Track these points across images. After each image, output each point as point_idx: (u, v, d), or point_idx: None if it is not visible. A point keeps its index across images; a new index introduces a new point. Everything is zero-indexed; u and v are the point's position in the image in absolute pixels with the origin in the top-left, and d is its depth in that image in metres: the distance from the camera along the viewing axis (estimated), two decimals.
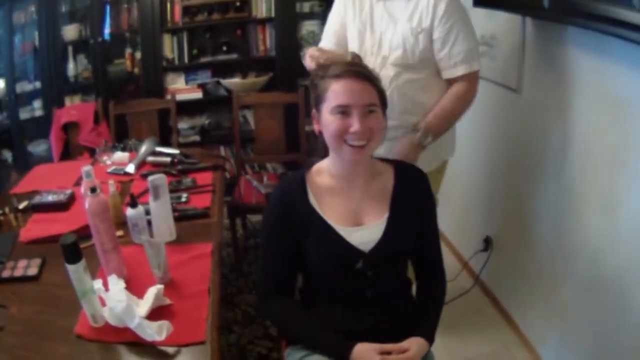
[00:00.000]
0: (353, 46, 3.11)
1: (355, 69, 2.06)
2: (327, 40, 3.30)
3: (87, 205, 2.19)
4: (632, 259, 2.59)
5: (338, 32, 3.24)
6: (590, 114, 2.85)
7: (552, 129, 3.22)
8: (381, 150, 2.41)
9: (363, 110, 1.99)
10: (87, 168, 2.42)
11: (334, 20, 3.27)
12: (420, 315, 2.25)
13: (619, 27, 2.13)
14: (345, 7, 3.17)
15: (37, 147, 5.82)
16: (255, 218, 4.99)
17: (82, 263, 1.91)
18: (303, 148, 4.85)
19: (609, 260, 2.76)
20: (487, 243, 4.12)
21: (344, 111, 1.99)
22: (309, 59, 2.58)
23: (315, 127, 2.18)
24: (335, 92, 2.01)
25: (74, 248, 1.88)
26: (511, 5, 3.16)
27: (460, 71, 2.91)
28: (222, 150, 5.97)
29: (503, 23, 3.59)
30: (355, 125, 1.96)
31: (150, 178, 2.47)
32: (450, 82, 2.99)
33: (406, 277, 2.37)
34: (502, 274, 4.00)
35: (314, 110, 2.17)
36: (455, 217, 4.62)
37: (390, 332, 2.16)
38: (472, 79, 2.96)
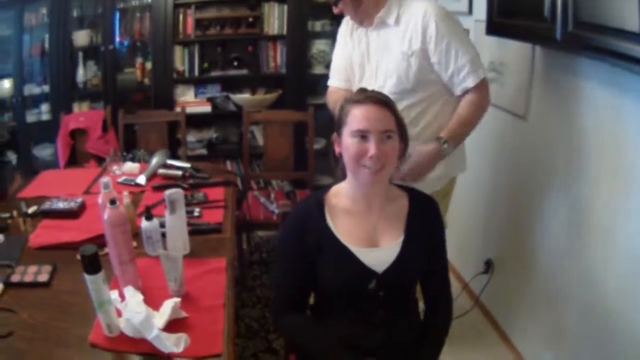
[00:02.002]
0: (354, 78, 3.24)
1: (376, 96, 2.15)
2: (337, 78, 3.38)
3: (106, 217, 2.22)
4: (630, 284, 2.63)
5: (347, 69, 3.32)
6: (595, 145, 2.89)
7: (556, 157, 3.26)
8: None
9: (380, 136, 2.06)
10: (105, 179, 2.46)
11: (341, 56, 3.35)
12: (424, 345, 2.31)
13: (629, 62, 2.16)
14: (345, 41, 3.29)
15: (42, 151, 5.86)
16: (261, 233, 5.01)
17: (102, 274, 1.94)
18: (310, 166, 4.87)
19: (608, 285, 2.80)
20: (488, 265, 4.15)
21: (362, 135, 2.06)
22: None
23: (336, 150, 2.24)
24: (355, 117, 2.09)
25: (94, 259, 1.91)
26: (523, 35, 3.19)
27: (470, 83, 2.92)
28: (229, 165, 5.99)
29: (513, 50, 3.62)
30: (372, 149, 2.03)
31: (167, 192, 2.50)
32: (462, 96, 3.01)
33: (415, 297, 2.42)
34: (502, 296, 4.03)
35: (335, 134, 2.24)
36: (458, 238, 4.61)
37: (398, 350, 2.24)
38: (482, 87, 2.98)
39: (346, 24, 3.31)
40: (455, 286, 4.48)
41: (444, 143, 2.86)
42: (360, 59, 3.16)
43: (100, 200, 2.51)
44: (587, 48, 2.47)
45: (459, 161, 3.32)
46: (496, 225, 4.13)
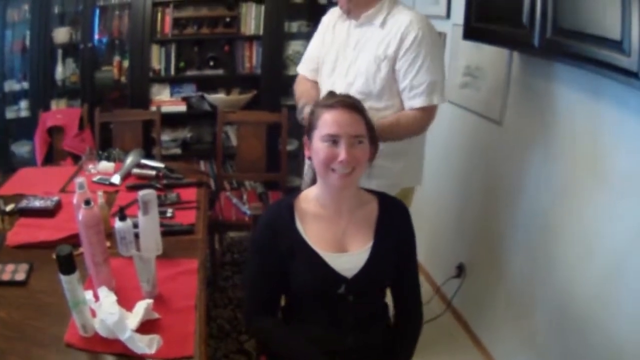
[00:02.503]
0: (326, 71, 3.21)
1: (346, 100, 2.16)
2: (307, 67, 3.44)
3: (80, 217, 2.21)
4: (603, 287, 2.67)
5: (314, 59, 3.37)
6: (570, 150, 2.92)
7: (531, 162, 3.29)
8: None
9: (351, 141, 2.07)
10: (80, 180, 2.46)
11: (317, 46, 3.37)
12: (395, 350, 2.33)
13: (607, 69, 2.19)
14: (325, 32, 3.30)
15: (20, 148, 5.84)
16: (234, 234, 5.01)
17: (76, 275, 1.93)
18: (283, 168, 4.87)
19: (580, 288, 2.84)
20: (460, 270, 4.17)
21: (332, 140, 2.08)
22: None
23: (306, 153, 2.25)
24: (326, 121, 2.10)
25: (70, 260, 1.90)
26: (501, 41, 3.20)
27: (418, 103, 2.92)
28: (202, 165, 5.99)
29: (490, 55, 3.64)
30: (342, 154, 2.05)
31: (140, 193, 2.49)
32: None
33: (385, 301, 2.43)
34: (474, 300, 4.05)
35: (305, 137, 2.25)
36: (429, 242, 4.65)
37: (369, 354, 2.26)
38: (430, 112, 2.99)
39: (331, 14, 3.31)
40: (427, 290, 4.54)
41: None
42: (336, 53, 3.15)
43: (75, 200, 2.51)
44: (566, 55, 2.49)
45: (412, 173, 3.31)
46: (468, 229, 4.15)
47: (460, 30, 3.54)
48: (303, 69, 3.47)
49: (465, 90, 3.99)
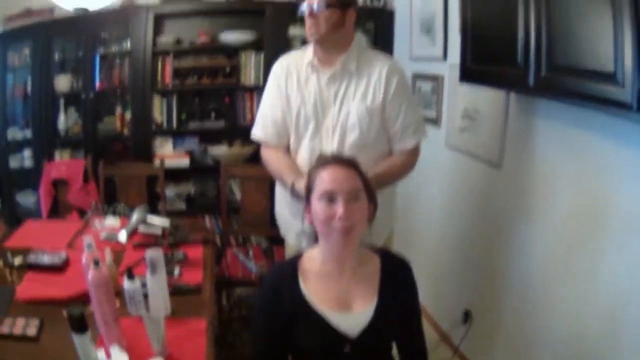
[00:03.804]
0: (307, 132, 3.08)
1: (341, 158, 2.23)
2: (268, 130, 3.22)
3: (89, 277, 2.23)
4: (609, 325, 2.65)
5: (279, 122, 3.16)
6: (569, 188, 2.94)
7: (532, 203, 3.30)
8: None
9: (348, 196, 2.10)
10: (88, 240, 2.49)
11: (272, 107, 3.19)
12: None
13: (602, 103, 2.21)
14: (286, 92, 3.13)
15: (25, 198, 5.92)
16: (240, 290, 5.01)
17: (89, 334, 1.98)
18: None
19: (587, 328, 2.82)
20: (467, 316, 4.15)
21: (330, 197, 2.11)
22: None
23: (307, 217, 2.28)
24: (323, 179, 2.14)
25: (82, 320, 1.95)
26: (496, 82, 3.23)
27: (410, 144, 3.04)
28: (207, 220, 5.99)
29: (487, 97, 3.66)
30: (340, 210, 2.07)
31: (148, 254, 2.51)
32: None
33: (391, 356, 2.43)
34: (481, 345, 4.00)
35: (305, 205, 2.29)
36: (435, 288, 4.64)
37: None
38: (417, 151, 3.12)
39: (284, 70, 3.16)
40: (433, 336, 4.55)
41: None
42: (314, 113, 3.05)
43: (84, 259, 2.54)
44: (561, 92, 2.52)
45: (385, 219, 3.20)
46: (473, 274, 4.13)
47: (457, 71, 3.57)
48: (264, 135, 3.25)
49: (464, 134, 4.01)
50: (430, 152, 3.78)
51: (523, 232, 3.39)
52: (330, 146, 2.97)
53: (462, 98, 4.09)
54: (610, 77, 2.11)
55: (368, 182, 2.24)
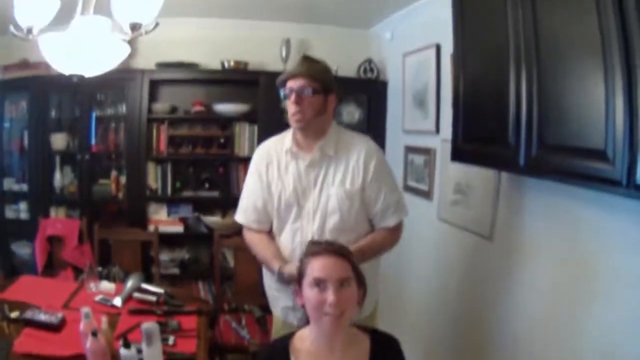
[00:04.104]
0: (288, 216, 3.10)
1: (331, 247, 2.28)
2: (249, 216, 3.26)
3: (87, 345, 2.29)
4: None
5: (260, 209, 3.20)
6: (559, 258, 2.99)
7: (520, 275, 3.34)
8: None
9: (338, 284, 2.16)
10: (86, 310, 2.56)
11: (253, 194, 3.22)
12: None
13: (593, 181, 2.23)
14: (267, 179, 3.16)
15: (20, 249, 5.91)
16: (232, 357, 5.00)
17: None
18: None
19: None
20: None
21: (320, 285, 2.16)
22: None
23: (299, 301, 2.33)
24: (313, 267, 2.21)
25: None
26: (487, 161, 3.24)
27: (392, 222, 3.07)
28: (201, 286, 5.98)
29: (479, 172, 3.71)
30: (330, 297, 2.13)
31: (144, 326, 2.56)
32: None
33: None
34: None
35: (296, 286, 2.33)
36: (425, 357, 4.62)
37: None
38: (399, 228, 3.15)
39: (264, 159, 3.20)
40: None
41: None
42: (295, 198, 3.06)
43: (81, 327, 2.59)
44: (551, 171, 2.54)
45: (373, 296, 3.18)
46: (463, 343, 4.13)
47: (449, 146, 3.56)
48: (246, 220, 3.30)
49: (456, 208, 4.07)
50: (422, 224, 3.83)
51: (513, 302, 3.42)
52: (311, 229, 3.00)
53: (453, 172, 4.15)
54: (601, 155, 2.14)
55: (358, 269, 2.29)
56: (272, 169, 3.14)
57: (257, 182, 3.19)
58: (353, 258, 2.30)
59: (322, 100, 2.99)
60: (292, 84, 2.96)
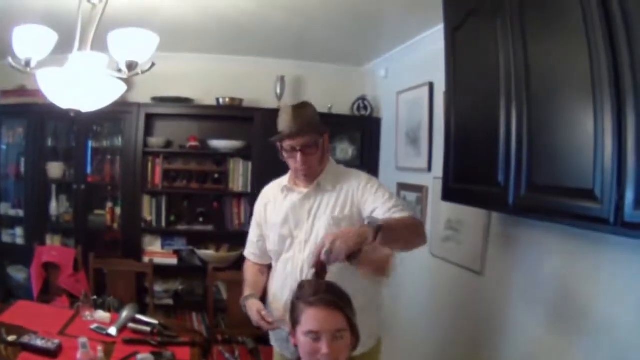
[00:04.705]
0: (283, 248, 3.12)
1: (327, 298, 2.26)
2: (250, 250, 3.42)
3: None
4: None
5: (255, 243, 3.36)
6: (550, 295, 3.03)
7: (513, 308, 3.37)
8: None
9: (332, 336, 2.18)
10: (83, 340, 2.63)
11: (253, 230, 3.40)
12: None
13: (582, 220, 2.24)
14: (265, 217, 3.25)
15: (17, 273, 5.95)
16: None
17: None
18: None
19: None
20: None
21: (315, 336, 2.18)
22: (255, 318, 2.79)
23: (292, 341, 2.34)
24: (308, 318, 2.22)
25: None
26: (477, 201, 3.27)
27: (407, 214, 2.86)
28: (195, 317, 6.01)
29: (470, 209, 3.71)
30: (324, 349, 2.14)
31: (139, 357, 2.66)
32: None
33: None
34: None
35: (290, 328, 2.35)
36: None
37: None
38: (416, 221, 2.92)
39: (264, 200, 3.32)
40: None
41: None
42: (287, 229, 3.09)
43: (78, 356, 2.65)
44: (539, 211, 2.57)
45: (375, 330, 3.16)
46: None
47: (441, 183, 3.59)
48: (248, 254, 3.46)
49: (448, 243, 4.12)
50: (415, 260, 3.88)
51: (505, 334, 3.45)
52: (301, 258, 3.00)
53: (445, 209, 4.21)
54: (589, 194, 2.16)
55: (352, 318, 2.29)
56: (270, 207, 3.23)
57: (257, 223, 3.33)
58: (348, 310, 2.29)
59: (321, 146, 3.04)
60: (293, 142, 2.97)
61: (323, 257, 2.30)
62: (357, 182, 3.02)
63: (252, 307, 2.97)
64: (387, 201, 2.89)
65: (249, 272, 3.37)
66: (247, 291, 3.12)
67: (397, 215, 2.81)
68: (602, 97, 2.06)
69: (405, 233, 2.79)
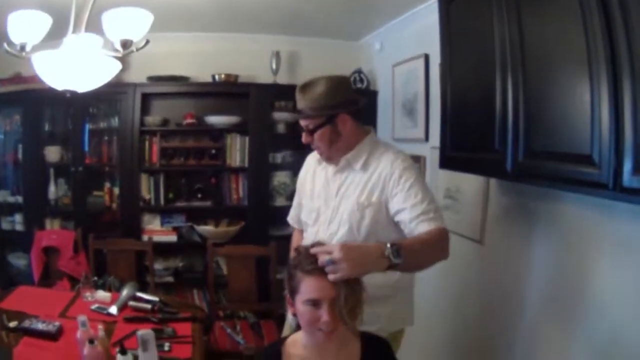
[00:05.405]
0: (310, 220, 3.10)
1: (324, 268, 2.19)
2: (292, 213, 3.41)
3: (85, 352, 2.33)
4: None
5: (298, 210, 3.34)
6: (548, 258, 3.03)
7: (513, 276, 3.37)
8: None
9: (332, 302, 2.13)
10: (82, 318, 2.61)
11: (297, 192, 3.34)
12: None
13: (580, 185, 2.22)
14: (305, 177, 3.23)
15: (17, 260, 5.98)
16: None
17: None
18: (274, 298, 4.96)
19: None
20: None
21: (314, 304, 2.15)
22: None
23: (291, 310, 2.31)
24: (307, 286, 2.17)
25: None
26: (475, 168, 3.27)
27: (434, 226, 2.59)
28: (195, 294, 6.04)
29: (468, 177, 3.75)
30: (324, 316, 2.12)
31: (139, 333, 2.61)
32: None
33: None
34: None
35: (288, 296, 2.31)
36: (422, 358, 4.65)
37: None
38: (442, 234, 2.62)
39: (312, 157, 3.23)
40: None
41: (391, 246, 2.28)
42: (318, 202, 3.04)
43: (78, 335, 2.64)
44: (538, 177, 2.55)
45: (401, 316, 3.07)
46: (461, 342, 4.18)
47: (438, 153, 3.56)
48: (290, 219, 3.44)
49: (446, 213, 4.08)
50: None
51: (505, 304, 3.46)
52: (323, 236, 2.89)
53: (443, 178, 4.21)
54: (587, 159, 2.14)
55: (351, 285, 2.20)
56: (309, 177, 3.18)
57: (299, 188, 3.32)
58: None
59: (330, 129, 2.86)
60: (302, 123, 2.92)
61: (323, 262, 2.16)
62: (392, 168, 2.78)
63: None
64: (417, 205, 2.66)
65: (294, 241, 3.40)
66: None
67: (424, 226, 2.61)
68: (598, 66, 2.04)
69: (426, 258, 2.59)
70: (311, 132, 2.87)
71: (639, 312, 2.42)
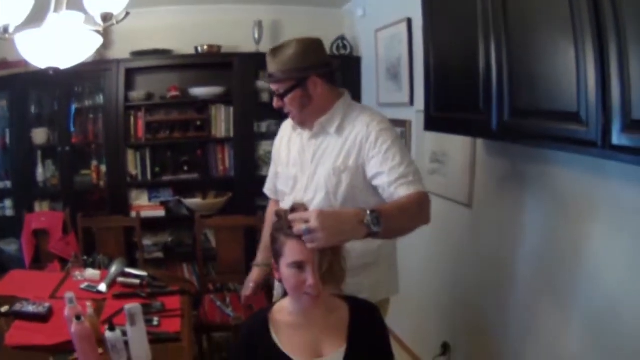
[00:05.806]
0: (287, 188, 3.03)
1: None
2: (268, 184, 3.35)
3: (73, 330, 2.31)
4: (579, 350, 2.72)
5: (272, 178, 3.28)
6: (539, 221, 3.03)
7: (503, 240, 3.37)
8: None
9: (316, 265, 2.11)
10: (70, 295, 2.57)
11: (274, 165, 3.26)
12: None
13: (568, 144, 2.20)
14: (279, 146, 3.17)
15: (8, 246, 5.94)
16: (219, 335, 5.03)
17: None
18: None
19: (560, 352, 2.87)
20: (445, 348, 4.20)
21: (299, 266, 2.12)
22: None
23: (276, 275, 2.29)
24: (291, 249, 2.13)
25: None
26: (460, 129, 3.25)
27: (413, 190, 2.52)
28: (185, 268, 6.06)
29: (454, 140, 3.75)
30: (310, 279, 2.09)
31: (127, 307, 2.59)
32: None
33: None
34: None
35: (273, 261, 2.28)
36: (414, 322, 4.72)
37: None
38: (421, 198, 2.55)
39: (285, 126, 3.18)
40: None
41: (370, 213, 2.17)
42: (294, 169, 2.97)
43: (66, 312, 2.61)
44: (524, 136, 2.54)
45: (385, 284, 3.05)
46: (450, 307, 4.20)
47: (423, 116, 3.54)
48: (266, 189, 3.39)
49: (434, 177, 4.09)
50: None
51: (496, 267, 3.46)
52: None
53: (429, 142, 4.20)
54: (574, 117, 2.12)
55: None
56: (284, 143, 3.11)
57: (273, 154, 3.26)
58: None
59: (301, 93, 2.77)
60: (272, 87, 2.84)
61: (299, 231, 2.09)
62: (368, 131, 2.70)
63: (248, 280, 3.07)
64: (395, 168, 2.58)
65: (268, 217, 3.35)
66: (259, 255, 3.16)
67: (403, 190, 2.54)
68: (581, 23, 2.02)
69: (406, 224, 2.50)
70: (282, 97, 2.79)
71: (633, 274, 2.41)
